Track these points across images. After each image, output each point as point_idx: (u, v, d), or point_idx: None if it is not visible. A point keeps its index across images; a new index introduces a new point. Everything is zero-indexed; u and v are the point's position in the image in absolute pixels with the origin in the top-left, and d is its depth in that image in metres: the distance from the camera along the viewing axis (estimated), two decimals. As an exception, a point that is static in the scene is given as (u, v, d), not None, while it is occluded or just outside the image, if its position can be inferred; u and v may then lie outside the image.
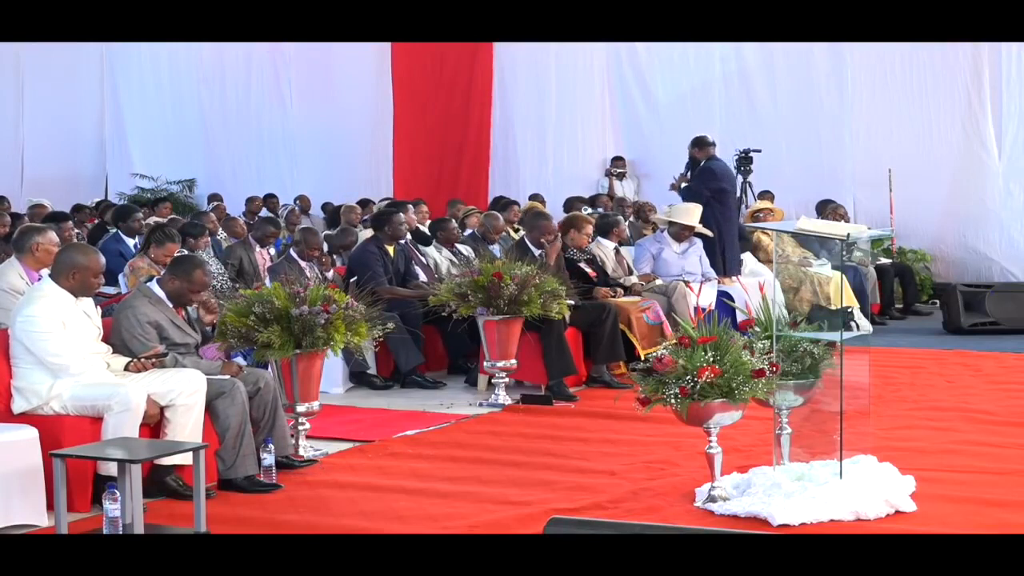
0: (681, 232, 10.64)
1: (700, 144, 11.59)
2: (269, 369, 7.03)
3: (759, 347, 5.83)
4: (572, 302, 8.83)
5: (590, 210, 13.63)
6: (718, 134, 15.80)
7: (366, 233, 10.94)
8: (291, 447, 6.79)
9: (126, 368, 6.28)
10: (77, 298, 6.21)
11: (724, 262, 11.04)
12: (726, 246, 11.11)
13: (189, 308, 6.92)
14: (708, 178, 11.24)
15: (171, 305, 6.66)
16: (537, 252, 9.48)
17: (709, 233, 11.16)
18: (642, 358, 6.97)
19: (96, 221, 13.41)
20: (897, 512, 5.66)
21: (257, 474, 6.36)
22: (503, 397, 8.53)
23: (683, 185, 11.58)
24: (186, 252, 9.05)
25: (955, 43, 13.71)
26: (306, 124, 18.66)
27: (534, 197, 15.07)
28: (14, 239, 7.99)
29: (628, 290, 10.00)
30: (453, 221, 11.39)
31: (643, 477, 6.44)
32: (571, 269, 9.51)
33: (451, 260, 10.24)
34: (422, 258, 10.14)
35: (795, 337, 5.97)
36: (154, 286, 6.66)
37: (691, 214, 10.75)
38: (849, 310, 9.78)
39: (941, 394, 8.79)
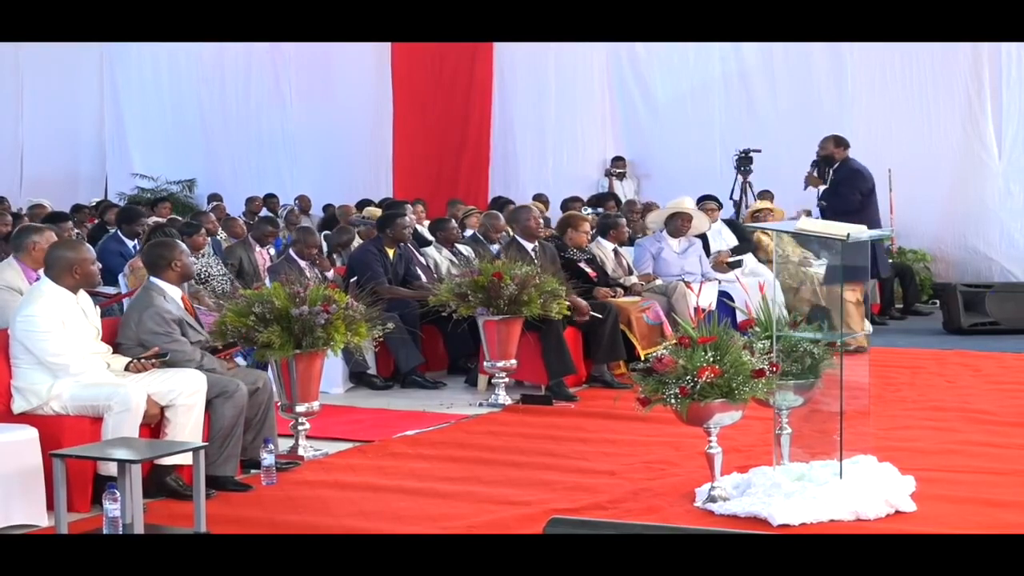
0: (681, 226, 10.61)
1: (842, 143, 10.82)
2: (269, 369, 7.04)
3: (759, 347, 5.82)
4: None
5: (590, 210, 13.63)
6: (718, 134, 15.88)
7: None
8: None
9: (126, 368, 6.29)
10: (77, 294, 6.21)
11: (877, 265, 10.49)
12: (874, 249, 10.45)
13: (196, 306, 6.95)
14: (859, 180, 10.57)
15: (179, 301, 6.67)
16: (530, 247, 9.50)
17: (707, 227, 11.16)
18: (642, 358, 6.97)
19: (96, 221, 13.40)
20: (897, 512, 5.66)
21: (236, 475, 6.40)
22: (503, 397, 8.53)
23: (822, 188, 10.72)
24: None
25: (955, 43, 13.70)
26: (306, 124, 18.68)
27: (537, 197, 15.03)
28: (13, 237, 7.99)
29: (628, 290, 10.00)
30: (453, 221, 11.39)
31: (643, 477, 6.44)
32: (571, 269, 9.51)
33: (451, 260, 10.24)
34: (422, 259, 10.14)
35: (795, 337, 5.96)
36: (160, 283, 6.66)
37: (684, 202, 10.76)
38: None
39: (941, 394, 8.79)
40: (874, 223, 10.34)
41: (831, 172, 10.75)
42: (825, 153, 10.80)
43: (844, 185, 10.55)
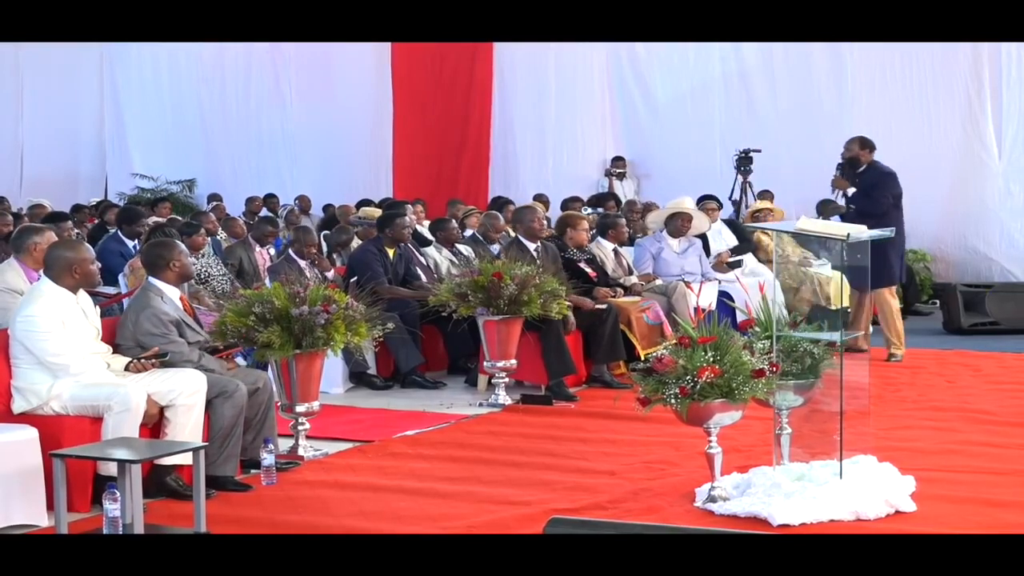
0: (681, 226, 10.61)
1: (868, 145, 10.39)
2: (269, 369, 7.03)
3: (759, 347, 5.82)
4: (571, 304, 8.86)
5: (590, 210, 13.62)
6: (718, 134, 15.88)
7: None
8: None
9: (126, 368, 6.28)
10: (77, 294, 6.21)
11: (900, 269, 10.33)
12: (902, 254, 10.35)
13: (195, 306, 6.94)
14: (891, 183, 10.20)
15: (178, 302, 6.67)
16: (532, 247, 9.50)
17: (707, 227, 11.14)
18: (642, 358, 6.97)
19: (96, 221, 13.40)
20: (897, 512, 5.66)
21: (236, 475, 6.40)
22: (503, 397, 8.53)
23: (851, 192, 10.30)
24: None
25: (955, 43, 13.70)
26: (306, 124, 18.68)
27: (537, 197, 15.03)
28: (13, 238, 7.99)
29: (628, 290, 10.00)
30: (453, 221, 11.39)
31: (643, 477, 6.44)
32: (571, 269, 9.51)
33: (451, 260, 10.24)
34: (422, 259, 10.14)
35: (795, 337, 5.96)
36: (159, 283, 6.65)
37: (684, 202, 10.75)
38: (849, 310, 9.73)
39: (941, 394, 8.79)
40: (901, 226, 10.11)
41: (856, 175, 10.48)
42: (851, 155, 10.51)
43: (877, 188, 10.19)
